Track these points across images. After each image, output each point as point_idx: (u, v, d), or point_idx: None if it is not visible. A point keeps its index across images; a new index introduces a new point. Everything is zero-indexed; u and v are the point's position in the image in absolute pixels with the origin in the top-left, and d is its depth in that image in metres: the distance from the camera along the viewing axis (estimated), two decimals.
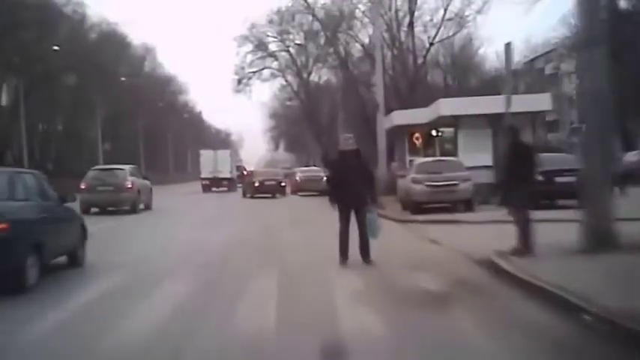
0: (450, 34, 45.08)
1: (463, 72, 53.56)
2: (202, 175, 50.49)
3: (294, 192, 38.54)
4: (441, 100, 27.84)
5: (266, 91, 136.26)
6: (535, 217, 10.79)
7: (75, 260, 11.55)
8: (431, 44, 43.79)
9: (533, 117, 26.24)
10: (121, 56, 68.54)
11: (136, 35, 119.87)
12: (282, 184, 38.13)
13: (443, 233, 14.75)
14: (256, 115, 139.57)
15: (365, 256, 10.97)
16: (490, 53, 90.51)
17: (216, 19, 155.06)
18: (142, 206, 26.52)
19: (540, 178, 18.33)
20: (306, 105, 58.11)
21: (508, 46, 17.16)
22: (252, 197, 35.47)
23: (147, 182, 28.43)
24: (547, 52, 62.47)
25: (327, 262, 11.04)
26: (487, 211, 18.36)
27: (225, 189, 45.41)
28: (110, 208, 24.91)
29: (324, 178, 37.75)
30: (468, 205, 20.21)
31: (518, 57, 63.67)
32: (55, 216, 10.79)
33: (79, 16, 59.06)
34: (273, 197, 35.39)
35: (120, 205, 25.31)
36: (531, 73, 63.08)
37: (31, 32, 48.17)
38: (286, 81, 58.11)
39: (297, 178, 39.49)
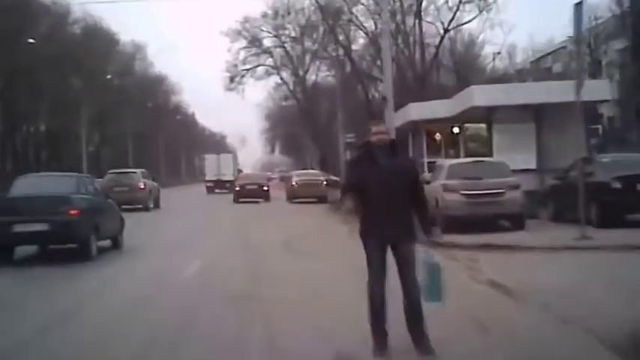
0: (468, 19, 39.59)
1: (466, 72, 50.06)
2: (207, 178, 54.45)
3: (289, 198, 34.02)
4: (474, 88, 23.23)
5: (260, 91, 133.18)
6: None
7: (116, 244, 14.87)
8: (446, 30, 38.98)
9: (588, 107, 20.42)
10: (108, 54, 65.46)
11: (126, 32, 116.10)
12: (265, 188, 36.89)
13: (511, 270, 9.97)
14: (252, 117, 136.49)
15: (418, 337, 5.86)
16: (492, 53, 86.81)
17: (212, 17, 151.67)
18: (151, 205, 29.83)
19: (616, 185, 14.62)
20: (303, 104, 55.26)
21: (579, 6, 13.01)
22: (237, 202, 34.25)
23: (155, 184, 32.31)
24: (554, 51, 59.96)
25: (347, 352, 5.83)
26: (542, 230, 14.64)
27: (227, 191, 45.67)
28: (125, 206, 24.45)
29: (324, 183, 34.92)
30: (517, 220, 15.52)
31: (521, 56, 61.76)
32: (104, 207, 14.42)
33: (61, 10, 55.98)
34: (258, 203, 33.79)
35: (134, 203, 27.77)
36: (537, 73, 60.20)
37: (9, 23, 45.19)
38: (281, 79, 55.25)
39: (294, 183, 34.34)
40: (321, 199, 31.26)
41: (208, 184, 52.81)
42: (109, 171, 33.55)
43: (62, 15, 56.92)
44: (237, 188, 35.88)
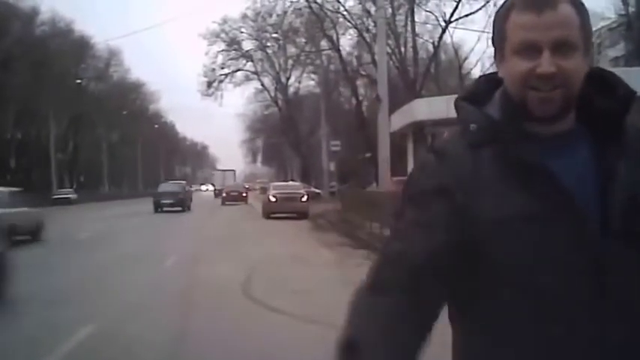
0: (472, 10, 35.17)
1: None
2: (216, 187, 72.53)
3: (266, 214, 29.85)
4: None
5: (240, 100, 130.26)
6: None
7: None
8: (448, 22, 35.13)
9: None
10: (79, 58, 62.26)
11: (100, 37, 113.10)
12: (244, 194, 50.04)
13: None
14: (233, 127, 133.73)
15: None
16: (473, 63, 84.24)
17: (192, 24, 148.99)
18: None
19: None
20: (285, 112, 52.41)
21: None
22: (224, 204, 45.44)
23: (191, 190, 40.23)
24: None
25: None
26: None
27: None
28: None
29: (304, 197, 31.47)
30: None
31: None
32: None
33: (28, 10, 52.88)
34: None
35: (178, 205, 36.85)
36: None
37: None
38: (262, 85, 52.40)
39: (271, 197, 29.23)
40: (302, 215, 27.86)
41: (216, 192, 68.21)
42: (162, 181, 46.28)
43: (29, 16, 53.74)
44: (224, 194, 49.70)
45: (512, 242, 1.31)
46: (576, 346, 1.30)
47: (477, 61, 47.61)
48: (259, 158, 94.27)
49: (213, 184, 77.24)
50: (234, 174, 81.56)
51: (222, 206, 43.87)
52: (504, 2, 1.38)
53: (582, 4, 1.37)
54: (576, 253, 1.30)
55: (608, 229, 1.30)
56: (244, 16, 45.60)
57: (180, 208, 36.81)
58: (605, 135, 1.36)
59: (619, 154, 1.34)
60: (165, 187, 40.93)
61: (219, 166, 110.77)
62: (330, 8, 36.74)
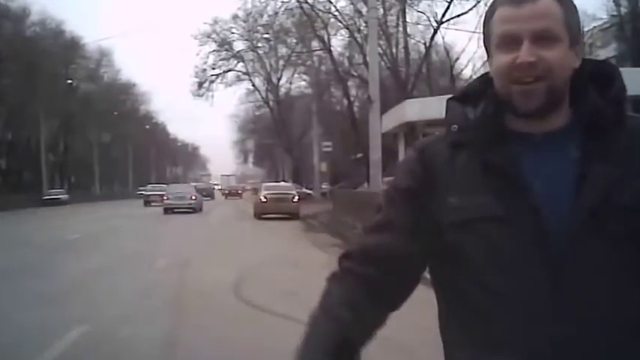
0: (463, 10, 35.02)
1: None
2: (222, 188, 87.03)
3: (257, 215, 29.85)
4: None
5: (232, 101, 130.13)
6: None
7: None
8: (439, 23, 34.91)
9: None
10: (70, 58, 61.93)
11: (91, 37, 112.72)
12: (240, 192, 74.19)
13: None
14: (225, 128, 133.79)
15: None
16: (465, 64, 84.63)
17: (184, 24, 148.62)
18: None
19: None
20: (276, 113, 52.33)
21: None
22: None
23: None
24: None
25: None
26: None
27: (238, 197, 71.46)
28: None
29: (296, 198, 31.42)
30: None
31: None
32: None
33: (19, 11, 52.58)
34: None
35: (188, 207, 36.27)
36: None
37: None
38: (253, 85, 52.28)
39: (262, 198, 29.30)
40: (293, 216, 27.84)
41: (225, 192, 79.77)
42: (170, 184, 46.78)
43: (19, 17, 53.46)
44: (227, 192, 75.71)
45: (473, 243, 1.34)
46: (533, 343, 1.30)
47: (469, 62, 47.79)
48: (250, 159, 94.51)
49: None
50: (235, 178, 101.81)
51: (225, 200, 64.97)
52: (492, 3, 1.39)
53: None
54: (535, 255, 1.30)
55: (573, 231, 1.29)
56: (235, 17, 45.44)
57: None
58: (594, 134, 1.35)
59: (599, 154, 1.32)
60: (175, 187, 41.05)
61: (210, 167, 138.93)
62: (322, 8, 36.67)
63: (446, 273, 1.41)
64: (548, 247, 1.30)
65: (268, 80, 51.53)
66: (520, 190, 1.32)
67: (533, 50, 1.31)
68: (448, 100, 1.46)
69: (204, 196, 48.20)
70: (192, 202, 36.80)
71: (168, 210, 35.20)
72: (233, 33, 47.14)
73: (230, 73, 49.93)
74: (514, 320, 1.31)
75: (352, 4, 35.28)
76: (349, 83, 42.32)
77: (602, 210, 1.29)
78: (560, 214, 1.30)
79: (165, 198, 37.22)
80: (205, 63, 48.23)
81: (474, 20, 42.62)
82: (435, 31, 35.62)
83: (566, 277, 1.29)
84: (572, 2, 1.38)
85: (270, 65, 51.31)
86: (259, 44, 47.91)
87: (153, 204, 44.75)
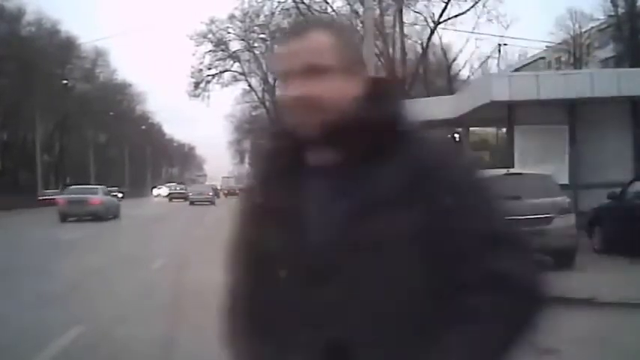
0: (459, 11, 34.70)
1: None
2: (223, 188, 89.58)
3: None
4: (493, 76, 19.18)
5: (229, 101, 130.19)
6: None
7: None
8: (436, 23, 34.77)
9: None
10: (66, 58, 61.84)
11: (87, 37, 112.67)
12: (237, 191, 60.53)
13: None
14: (221, 128, 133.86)
15: None
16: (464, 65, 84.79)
17: (180, 24, 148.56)
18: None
19: None
20: (273, 114, 52.29)
21: None
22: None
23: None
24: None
25: None
26: (596, 268, 10.59)
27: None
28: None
29: None
30: (565, 258, 10.25)
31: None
32: None
33: (14, 11, 52.48)
34: None
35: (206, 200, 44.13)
36: None
37: None
38: (250, 86, 52.31)
39: None
40: None
41: (225, 192, 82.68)
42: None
43: (15, 17, 53.37)
44: (226, 192, 74.24)
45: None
46: (295, 347, 1.39)
47: (466, 63, 47.78)
48: (247, 159, 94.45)
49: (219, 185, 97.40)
50: (234, 179, 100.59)
51: (226, 199, 64.16)
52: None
53: (342, 30, 1.43)
54: (298, 272, 1.39)
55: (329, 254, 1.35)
56: (232, 17, 45.45)
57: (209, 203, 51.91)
58: (351, 167, 1.37)
59: (350, 188, 1.35)
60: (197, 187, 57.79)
61: (206, 167, 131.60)
62: (318, 9, 36.66)
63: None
64: (312, 261, 1.37)
65: (265, 80, 51.56)
66: (291, 223, 1.39)
67: (302, 84, 1.34)
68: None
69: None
70: (209, 197, 55.00)
71: (193, 202, 51.88)
72: (229, 33, 47.23)
73: (226, 74, 50.05)
74: (277, 333, 1.44)
75: (349, 4, 35.31)
76: None
77: (340, 246, 1.35)
78: (317, 247, 1.36)
79: (190, 194, 56.58)
80: (201, 63, 48.26)
81: (472, 21, 42.80)
82: (432, 32, 35.53)
83: (324, 287, 1.37)
84: (348, 34, 1.45)
85: (267, 65, 51.39)
86: (256, 44, 48.00)
87: (174, 200, 62.99)
